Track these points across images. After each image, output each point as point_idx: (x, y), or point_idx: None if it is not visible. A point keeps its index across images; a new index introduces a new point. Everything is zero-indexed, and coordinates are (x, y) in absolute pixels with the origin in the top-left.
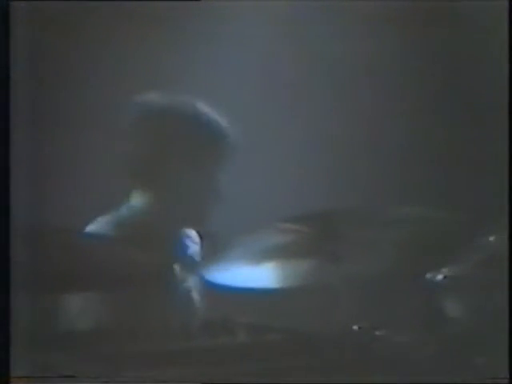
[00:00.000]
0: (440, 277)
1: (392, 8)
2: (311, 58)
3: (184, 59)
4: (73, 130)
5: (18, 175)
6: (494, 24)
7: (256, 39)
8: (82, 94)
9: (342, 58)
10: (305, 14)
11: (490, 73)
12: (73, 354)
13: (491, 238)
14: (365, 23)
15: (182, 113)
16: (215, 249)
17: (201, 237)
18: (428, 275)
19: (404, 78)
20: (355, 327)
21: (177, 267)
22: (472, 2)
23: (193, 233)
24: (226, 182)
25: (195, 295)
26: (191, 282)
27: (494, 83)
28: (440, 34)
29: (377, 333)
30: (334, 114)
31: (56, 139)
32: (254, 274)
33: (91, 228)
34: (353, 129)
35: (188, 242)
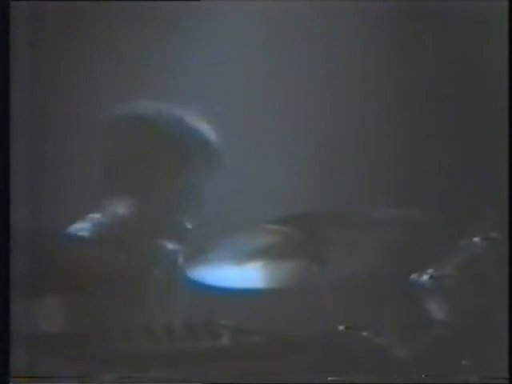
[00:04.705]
0: (425, 277)
1: (391, 8)
2: (307, 60)
3: (183, 59)
4: (70, 131)
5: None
6: (494, 24)
7: (254, 39)
8: (82, 95)
9: (336, 60)
10: (304, 15)
11: (489, 73)
12: (58, 355)
13: (475, 239)
14: (360, 23)
15: (167, 121)
16: (200, 249)
17: (182, 237)
18: (413, 276)
19: (393, 80)
20: (341, 327)
21: (159, 269)
22: (472, 2)
23: (173, 234)
24: (208, 191)
25: (178, 296)
26: (174, 283)
27: (493, 84)
28: (440, 34)
29: (363, 333)
30: (321, 117)
31: (55, 140)
32: (239, 274)
33: (73, 230)
34: (338, 131)
35: (169, 244)
